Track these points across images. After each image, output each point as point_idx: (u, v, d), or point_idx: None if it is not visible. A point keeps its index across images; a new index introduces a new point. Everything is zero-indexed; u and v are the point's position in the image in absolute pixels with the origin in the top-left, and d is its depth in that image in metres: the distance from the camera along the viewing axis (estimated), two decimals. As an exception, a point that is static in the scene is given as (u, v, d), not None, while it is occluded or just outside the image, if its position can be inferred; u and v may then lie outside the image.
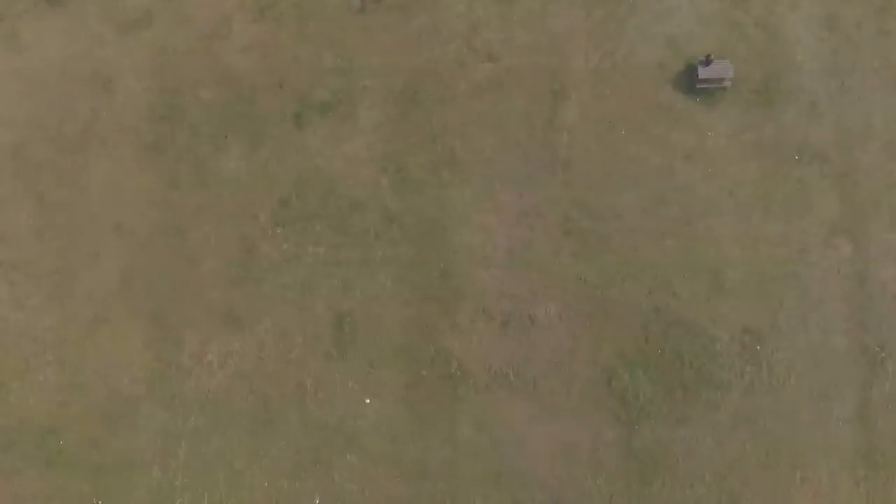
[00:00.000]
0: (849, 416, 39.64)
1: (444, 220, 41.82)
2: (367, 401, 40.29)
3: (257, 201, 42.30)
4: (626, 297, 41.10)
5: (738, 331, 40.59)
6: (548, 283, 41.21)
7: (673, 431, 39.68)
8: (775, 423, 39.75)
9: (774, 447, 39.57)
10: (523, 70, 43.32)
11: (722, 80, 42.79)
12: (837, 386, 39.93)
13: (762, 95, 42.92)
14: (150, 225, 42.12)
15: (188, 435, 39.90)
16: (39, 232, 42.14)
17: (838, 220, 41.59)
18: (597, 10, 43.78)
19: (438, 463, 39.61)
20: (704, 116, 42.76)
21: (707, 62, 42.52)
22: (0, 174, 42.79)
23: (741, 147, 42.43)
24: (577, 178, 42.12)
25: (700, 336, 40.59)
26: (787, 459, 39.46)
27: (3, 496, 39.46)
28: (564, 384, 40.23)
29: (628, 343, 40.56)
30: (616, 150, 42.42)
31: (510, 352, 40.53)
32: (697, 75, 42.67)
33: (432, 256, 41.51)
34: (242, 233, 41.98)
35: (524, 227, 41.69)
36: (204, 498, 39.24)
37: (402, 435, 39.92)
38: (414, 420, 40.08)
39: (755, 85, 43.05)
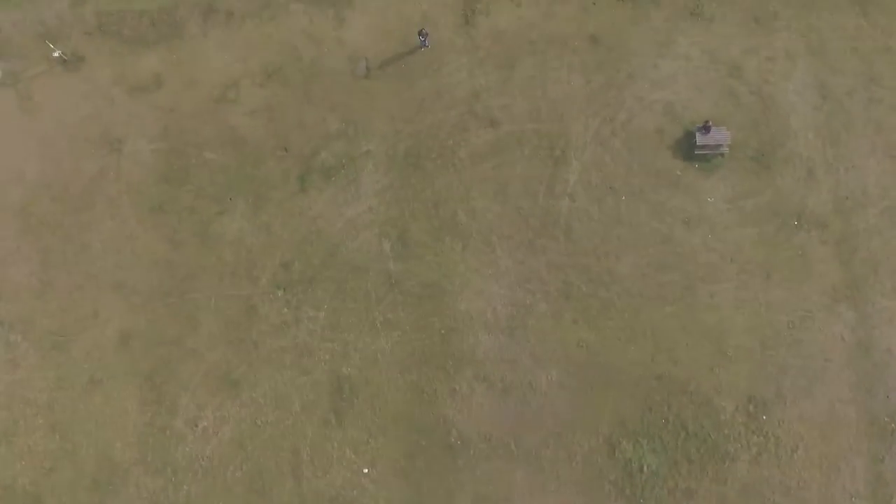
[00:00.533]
0: (860, 490, 29.81)
1: (445, 285, 32.19)
2: (365, 470, 30.40)
3: (259, 263, 32.65)
4: (627, 364, 31.31)
5: (742, 400, 30.72)
6: (549, 349, 31.49)
7: (679, 505, 29.67)
8: (784, 497, 29.93)
9: (782, 522, 29.61)
10: (524, 136, 33.86)
11: (720, 146, 33.35)
12: (847, 459, 30.08)
13: (760, 162, 33.40)
14: (151, 285, 32.47)
15: (180, 504, 29.91)
16: (41, 290, 32.55)
17: (840, 287, 31.94)
18: (596, 78, 34.34)
19: (437, 535, 29.61)
20: (703, 182, 33.19)
21: (705, 129, 33.08)
22: (5, 231, 33.32)
23: (740, 213, 32.81)
24: (578, 243, 32.54)
25: (704, 405, 30.78)
26: (795, 535, 29.50)
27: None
28: (566, 455, 30.42)
29: (631, 412, 30.73)
30: (616, 215, 32.85)
31: (511, 420, 30.78)
32: (696, 142, 33.32)
33: (433, 321, 31.84)
34: (243, 295, 32.26)
35: (525, 292, 32.04)
36: (195, 570, 29.30)
37: (401, 506, 29.93)
38: (413, 492, 30.20)
39: (752, 151, 33.59)
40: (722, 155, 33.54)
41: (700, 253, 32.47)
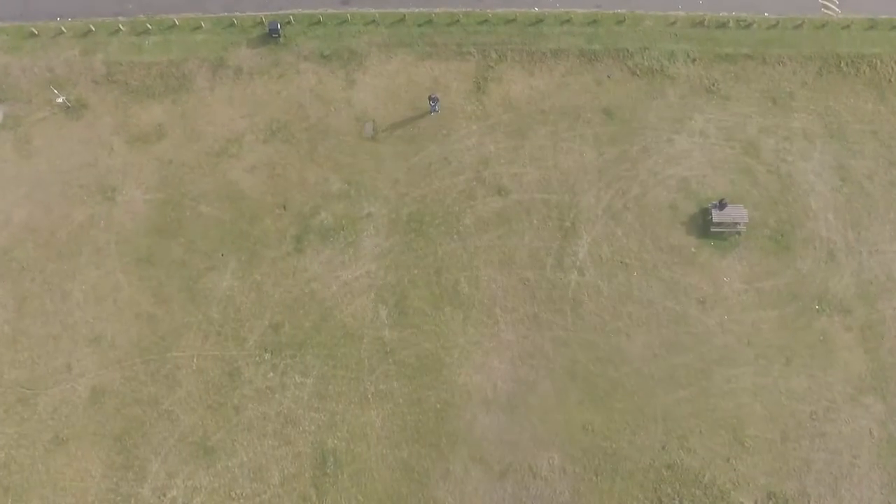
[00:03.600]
0: None
1: (443, 356, 29.88)
2: (344, 556, 27.06)
3: (247, 324, 30.48)
4: (636, 451, 28.50)
5: (762, 496, 27.94)
6: (551, 431, 28.83)
7: None
8: None
9: None
10: (533, 205, 32.25)
11: (736, 224, 31.65)
12: (878, 571, 26.68)
13: (778, 242, 31.60)
14: (131, 340, 30.25)
15: (138, 584, 26.72)
16: (13, 338, 30.38)
17: (866, 376, 29.60)
18: (609, 150, 33.03)
19: None
20: (719, 261, 31.26)
21: (721, 206, 31.48)
22: (-16, 278, 31.04)
23: (758, 294, 30.73)
24: (586, 319, 30.36)
25: (719, 500, 27.87)
26: None
27: None
28: (568, 550, 27.06)
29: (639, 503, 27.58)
30: (627, 291, 30.82)
31: (508, 507, 27.54)
32: (711, 219, 31.53)
33: (428, 395, 29.37)
34: (228, 356, 29.95)
35: (528, 368, 29.71)
36: None
37: None
38: (395, 583, 26.77)
39: (770, 231, 31.83)
40: (739, 233, 31.79)
41: (716, 335, 30.22)
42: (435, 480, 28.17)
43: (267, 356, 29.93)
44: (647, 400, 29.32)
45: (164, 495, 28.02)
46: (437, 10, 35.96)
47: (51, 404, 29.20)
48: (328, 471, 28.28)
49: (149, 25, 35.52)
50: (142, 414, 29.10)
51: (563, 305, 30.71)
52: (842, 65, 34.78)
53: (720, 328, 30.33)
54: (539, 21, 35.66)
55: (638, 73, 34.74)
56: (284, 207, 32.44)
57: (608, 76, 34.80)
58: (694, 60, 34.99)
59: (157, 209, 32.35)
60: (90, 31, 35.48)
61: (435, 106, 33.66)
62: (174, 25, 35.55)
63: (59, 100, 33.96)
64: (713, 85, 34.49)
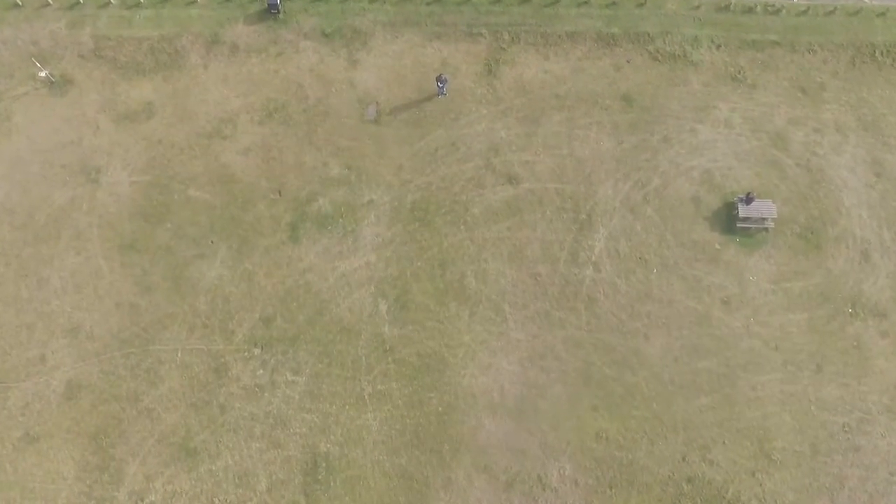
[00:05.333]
0: None
1: (447, 356, 27.51)
2: (335, 571, 24.68)
3: (236, 316, 28.15)
4: (654, 463, 26.10)
5: (790, 515, 25.24)
6: (562, 438, 26.46)
7: None
8: None
9: None
10: (546, 195, 29.86)
11: (764, 220, 29.27)
12: None
13: (808, 241, 29.18)
14: (111, 331, 27.89)
15: None
16: (-15, 329, 27.72)
17: (903, 388, 26.91)
18: (628, 139, 30.66)
19: None
20: (745, 259, 28.88)
21: (748, 200, 29.09)
22: (-44, 261, 28.70)
23: (787, 296, 28.35)
24: (602, 318, 27.96)
25: (744, 518, 25.24)
26: None
27: None
28: (579, 569, 24.66)
29: (657, 520, 25.19)
30: (646, 290, 28.47)
31: (514, 521, 25.16)
32: (737, 213, 29.07)
33: (430, 397, 27.02)
34: (214, 350, 27.61)
35: (538, 370, 27.33)
36: None
37: None
38: None
39: (800, 228, 29.45)
40: (766, 230, 29.40)
41: (741, 338, 27.83)
42: (435, 490, 25.73)
43: (256, 351, 27.54)
44: (666, 407, 26.90)
45: (142, 500, 25.63)
46: (447, -12, 33.69)
47: (22, 399, 26.80)
48: (320, 477, 25.86)
49: (140, -2, 33.29)
50: (120, 411, 26.70)
51: (577, 303, 28.30)
52: (876, 54, 32.36)
53: (746, 331, 27.92)
54: (555, 2, 33.24)
55: (659, 58, 32.36)
56: (280, 193, 30.06)
57: (627, 61, 32.41)
58: (718, 46, 32.59)
59: (144, 192, 29.97)
60: (78, 3, 33.11)
61: (443, 88, 31.29)
62: (167, -1, 33.28)
63: (42, 74, 31.60)
64: (739, 73, 32.09)
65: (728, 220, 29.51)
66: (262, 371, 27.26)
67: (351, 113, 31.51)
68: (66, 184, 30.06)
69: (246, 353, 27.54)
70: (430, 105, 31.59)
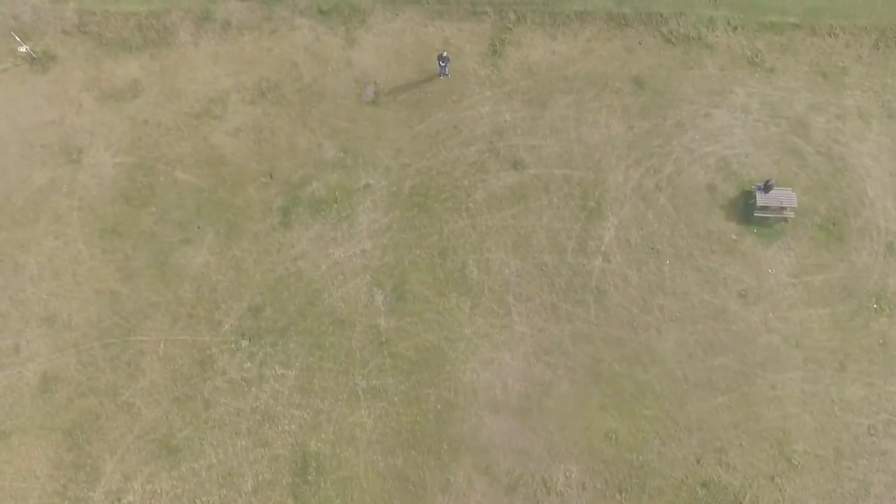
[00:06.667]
0: None
1: (447, 350, 25.68)
2: (325, 578, 22.91)
3: (223, 305, 26.32)
4: (666, 466, 24.30)
5: (812, 523, 23.47)
6: (569, 439, 24.62)
7: None
8: None
9: None
10: (553, 181, 28.05)
11: (783, 209, 27.48)
12: None
13: (830, 232, 27.39)
14: (90, 320, 26.04)
15: None
16: (-44, 317, 25.93)
17: (932, 390, 25.13)
18: (639, 124, 28.84)
19: None
20: (763, 251, 27.07)
21: (766, 188, 27.29)
22: (-72, 246, 26.89)
23: (807, 290, 26.53)
24: (612, 312, 26.15)
25: (763, 526, 23.47)
26: None
27: None
28: (586, 579, 22.89)
29: (670, 528, 23.42)
30: (659, 282, 26.65)
31: (517, 526, 23.38)
32: (755, 202, 27.28)
33: (427, 394, 25.18)
34: (199, 341, 25.78)
35: (543, 366, 25.50)
36: None
37: None
38: None
39: (821, 219, 27.65)
40: (786, 220, 27.63)
41: (759, 334, 26.04)
42: (433, 493, 23.93)
43: (244, 343, 25.74)
44: (679, 407, 25.11)
45: (119, 500, 23.84)
46: (450, -35, 31.88)
47: (-7, 391, 25.12)
48: (309, 478, 24.07)
49: (128, -28, 31.45)
50: (98, 405, 24.91)
51: (586, 295, 26.52)
52: (901, 38, 30.64)
53: (764, 326, 26.14)
54: (563, -20, 31.54)
55: (673, 40, 30.56)
56: (271, 176, 28.25)
57: (639, 42, 30.60)
58: (735, 28, 30.79)
59: (127, 174, 28.16)
60: (62, -24, 31.39)
61: (445, 68, 29.49)
62: (156, -27, 31.46)
63: (22, 49, 29.77)
64: (756, 56, 30.30)
65: (745, 209, 27.70)
66: (249, 364, 25.46)
67: (347, 93, 29.68)
68: (45, 164, 28.24)
69: (233, 345, 25.72)
70: (431, 86, 29.78)
